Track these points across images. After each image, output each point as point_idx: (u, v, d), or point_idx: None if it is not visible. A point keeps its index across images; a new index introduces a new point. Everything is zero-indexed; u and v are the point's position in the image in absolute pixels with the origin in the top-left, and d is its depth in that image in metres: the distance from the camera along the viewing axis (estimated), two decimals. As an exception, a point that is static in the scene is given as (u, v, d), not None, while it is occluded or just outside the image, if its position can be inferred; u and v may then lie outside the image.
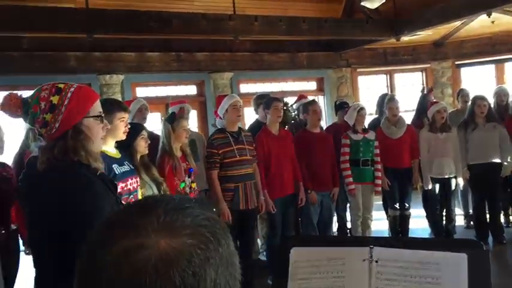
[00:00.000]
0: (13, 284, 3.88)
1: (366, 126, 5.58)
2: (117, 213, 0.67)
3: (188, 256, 0.59)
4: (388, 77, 9.80)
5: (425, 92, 6.80)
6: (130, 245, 0.60)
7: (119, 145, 3.04)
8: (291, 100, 6.40)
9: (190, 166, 4.02)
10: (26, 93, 1.88)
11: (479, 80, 9.53)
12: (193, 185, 4.04)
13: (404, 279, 1.18)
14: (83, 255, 0.63)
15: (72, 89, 1.82)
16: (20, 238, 3.91)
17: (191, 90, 8.44)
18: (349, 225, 5.90)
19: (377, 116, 6.47)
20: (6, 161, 3.98)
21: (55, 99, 1.78)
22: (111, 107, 2.75)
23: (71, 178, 1.75)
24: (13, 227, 3.77)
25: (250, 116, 7.79)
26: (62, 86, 1.82)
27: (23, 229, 3.65)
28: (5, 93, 1.87)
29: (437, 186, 5.62)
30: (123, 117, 2.90)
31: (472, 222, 6.08)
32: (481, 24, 7.98)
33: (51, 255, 1.70)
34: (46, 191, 1.75)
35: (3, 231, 3.64)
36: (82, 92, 1.85)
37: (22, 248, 3.99)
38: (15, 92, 1.86)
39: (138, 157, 3.37)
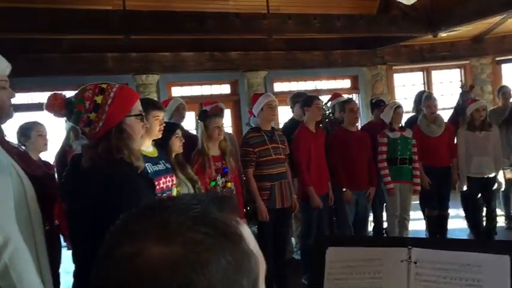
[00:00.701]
0: (59, 281, 3.98)
1: (403, 125, 5.48)
2: (123, 217, 0.65)
3: (175, 267, 0.57)
4: (425, 74, 9.59)
5: (464, 90, 6.62)
6: (124, 252, 0.59)
7: (157, 144, 3.09)
8: (324, 98, 6.35)
9: (225, 165, 4.02)
10: (67, 94, 1.94)
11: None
12: (229, 185, 4.02)
13: (444, 281, 1.16)
14: (96, 257, 0.63)
15: (114, 89, 1.88)
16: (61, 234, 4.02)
17: (225, 89, 8.49)
18: (385, 225, 5.81)
19: (414, 113, 6.35)
20: (48, 160, 4.11)
21: (99, 99, 1.84)
22: (146, 106, 2.79)
23: (114, 176, 1.79)
24: (56, 222, 3.87)
25: (283, 114, 7.78)
26: (104, 86, 1.88)
27: (64, 226, 3.75)
28: (46, 93, 1.94)
29: (476, 185, 5.47)
30: (158, 116, 2.95)
31: (513, 223, 5.90)
32: (523, 18, 7.71)
33: (91, 252, 1.74)
34: (90, 189, 1.79)
35: (47, 227, 3.74)
36: (124, 91, 1.91)
37: (63, 244, 4.11)
38: (59, 92, 1.92)
39: (173, 156, 3.41)
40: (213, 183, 3.92)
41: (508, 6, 6.37)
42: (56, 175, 3.96)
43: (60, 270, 4.00)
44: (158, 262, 0.57)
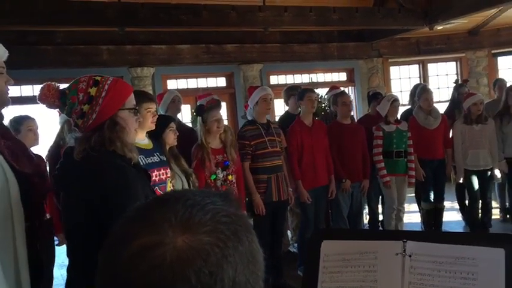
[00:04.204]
0: (52, 276, 3.97)
1: (399, 117, 5.48)
2: (137, 208, 0.65)
3: (205, 255, 0.58)
4: (421, 66, 9.59)
5: (459, 84, 6.62)
6: (146, 242, 0.59)
7: (151, 137, 3.07)
8: (322, 91, 6.34)
9: (227, 158, 4.01)
10: (61, 86, 1.92)
11: (516, 69, 9.25)
12: (230, 178, 4.00)
13: (439, 274, 1.15)
14: (103, 249, 0.63)
15: (109, 82, 1.87)
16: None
17: (221, 82, 8.46)
18: (380, 217, 5.83)
19: (410, 106, 6.35)
20: (40, 154, 4.08)
21: (93, 91, 1.83)
22: (138, 98, 2.77)
23: (107, 167, 1.79)
24: (47, 216, 3.84)
25: (279, 107, 7.77)
26: (99, 78, 1.87)
27: (57, 220, 3.73)
28: (39, 86, 1.91)
29: (474, 178, 5.48)
30: (150, 108, 2.93)
31: (508, 216, 5.92)
32: (518, 11, 7.70)
33: (85, 244, 1.74)
34: (83, 181, 1.79)
35: (28, 224, 3.72)
36: (118, 84, 1.90)
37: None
38: (52, 83, 1.90)
39: (167, 148, 3.40)
40: (213, 177, 3.91)
41: (504, -1, 6.36)
42: (48, 169, 3.94)
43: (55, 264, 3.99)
44: (187, 251, 0.58)
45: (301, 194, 4.63)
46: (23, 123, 3.89)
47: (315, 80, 8.72)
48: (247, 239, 0.63)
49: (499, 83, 6.51)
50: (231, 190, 3.88)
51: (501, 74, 8.94)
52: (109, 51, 7.19)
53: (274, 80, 8.67)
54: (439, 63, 9.64)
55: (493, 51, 9.21)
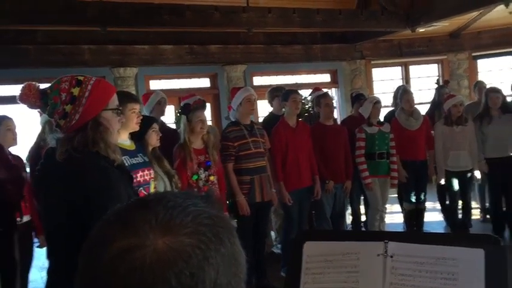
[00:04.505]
0: (27, 276, 3.92)
1: (382, 119, 5.53)
2: (117, 211, 0.65)
3: (186, 256, 0.57)
4: (403, 68, 9.69)
5: (440, 85, 6.71)
6: (126, 244, 0.58)
7: (134, 138, 3.05)
8: (305, 93, 6.36)
9: (209, 159, 4.00)
10: (42, 86, 1.89)
11: (496, 72, 9.39)
12: (212, 178, 3.99)
13: (420, 275, 1.16)
14: (83, 251, 0.62)
15: (92, 82, 1.85)
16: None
17: (204, 82, 8.44)
18: (363, 218, 5.87)
19: (393, 108, 6.41)
20: (19, 155, 4.03)
21: (76, 91, 1.80)
22: (122, 98, 2.75)
23: (90, 169, 1.77)
24: (26, 218, 3.79)
25: (263, 108, 7.78)
26: (81, 78, 1.85)
27: (38, 221, 3.68)
28: (19, 86, 1.88)
29: (454, 179, 5.55)
30: (135, 108, 2.91)
31: (488, 216, 6.01)
32: (498, 15, 7.82)
33: (66, 245, 1.71)
34: (66, 181, 1.77)
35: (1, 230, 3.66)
36: (101, 84, 1.89)
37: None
38: (33, 82, 1.87)
39: (150, 149, 3.38)
40: (195, 177, 3.90)
41: (485, 2, 6.47)
42: (27, 170, 3.90)
43: (34, 266, 3.94)
44: (168, 253, 0.57)
45: (283, 196, 4.63)
46: (2, 123, 3.84)
47: (298, 81, 8.75)
48: (229, 240, 0.63)
49: (479, 85, 6.61)
50: (214, 191, 3.88)
51: (481, 77, 9.07)
52: (91, 50, 7.12)
53: (258, 81, 8.67)
54: (421, 66, 9.75)
55: (473, 54, 9.34)
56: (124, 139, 2.94)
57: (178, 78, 8.17)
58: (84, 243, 0.63)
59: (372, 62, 9.37)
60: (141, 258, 0.57)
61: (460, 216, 5.75)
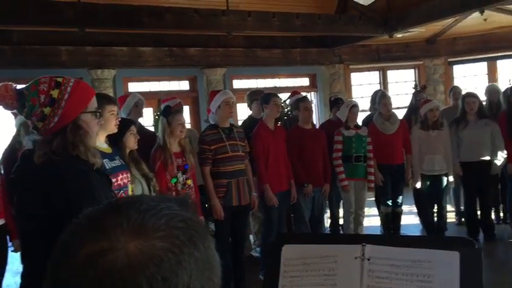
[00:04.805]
0: (1, 281, 3.84)
1: (360, 123, 5.58)
2: (88, 214, 0.63)
3: (158, 260, 0.56)
4: (381, 73, 9.81)
5: (417, 89, 6.81)
6: (97, 248, 0.57)
7: (110, 140, 3.01)
8: (283, 96, 6.38)
9: (186, 162, 3.98)
10: (19, 87, 1.85)
11: (471, 78, 9.58)
12: (189, 182, 3.97)
13: (396, 277, 1.18)
14: (53, 255, 0.61)
15: (71, 83, 1.82)
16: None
17: (184, 85, 8.40)
18: (341, 221, 5.91)
19: (371, 112, 6.48)
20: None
21: (55, 93, 1.77)
22: (101, 100, 2.72)
23: (70, 172, 1.75)
24: (0, 222, 3.71)
25: (242, 112, 7.78)
26: (60, 80, 1.82)
27: (12, 224, 3.61)
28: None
29: (429, 183, 5.64)
30: (113, 110, 2.88)
31: (463, 219, 6.11)
32: (473, 21, 8.00)
33: (43, 249, 1.68)
34: (44, 184, 1.74)
35: None
36: (81, 86, 1.86)
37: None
38: (9, 83, 1.83)
39: (127, 152, 3.35)
40: (174, 180, 3.87)
41: (459, 8, 6.60)
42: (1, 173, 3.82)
43: (8, 271, 3.85)
44: (139, 257, 0.56)
45: (269, 199, 4.61)
46: None
47: (278, 85, 8.78)
48: (204, 244, 0.62)
49: (454, 90, 6.73)
50: (190, 195, 3.86)
51: (456, 82, 9.25)
52: (68, 51, 7.02)
53: (237, 84, 8.68)
54: (398, 71, 9.89)
55: (449, 60, 9.51)
56: (101, 142, 2.91)
57: (157, 80, 8.11)
58: (53, 246, 0.62)
59: (351, 67, 9.46)
60: (112, 262, 0.56)
61: (435, 219, 5.84)
